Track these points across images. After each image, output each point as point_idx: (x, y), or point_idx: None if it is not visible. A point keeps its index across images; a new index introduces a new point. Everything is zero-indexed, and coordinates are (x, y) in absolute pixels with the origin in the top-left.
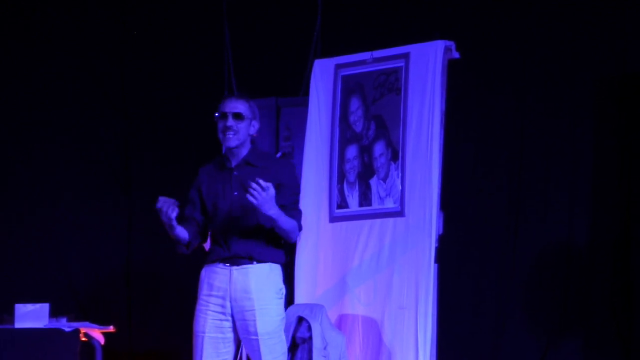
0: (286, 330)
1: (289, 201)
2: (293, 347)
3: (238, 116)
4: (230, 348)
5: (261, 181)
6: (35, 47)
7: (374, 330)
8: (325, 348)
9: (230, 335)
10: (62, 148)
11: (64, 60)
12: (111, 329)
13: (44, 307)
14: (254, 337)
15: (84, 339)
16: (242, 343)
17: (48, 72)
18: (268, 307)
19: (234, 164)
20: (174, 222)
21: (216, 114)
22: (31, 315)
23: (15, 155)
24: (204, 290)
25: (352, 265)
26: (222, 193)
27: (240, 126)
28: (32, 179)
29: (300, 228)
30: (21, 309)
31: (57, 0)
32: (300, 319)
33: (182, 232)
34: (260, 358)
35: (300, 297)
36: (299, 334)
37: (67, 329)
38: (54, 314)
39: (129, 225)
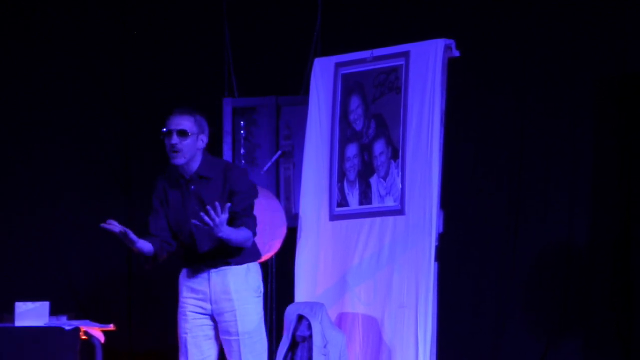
0: (286, 329)
1: (241, 207)
2: (293, 346)
3: (183, 133)
4: (214, 347)
5: (217, 205)
6: (35, 47)
7: (374, 328)
8: (325, 346)
9: (212, 333)
10: (62, 148)
11: (64, 60)
12: (111, 327)
13: (44, 306)
14: (234, 338)
15: (84, 337)
16: (222, 344)
17: (48, 72)
18: (247, 306)
19: (187, 177)
20: (132, 236)
21: (163, 130)
22: (31, 314)
23: (15, 155)
24: (183, 293)
25: (352, 264)
26: (182, 208)
27: (185, 143)
28: (32, 179)
29: (254, 234)
30: (21, 307)
31: (57, 0)
32: (301, 317)
33: (145, 245)
34: (240, 358)
35: (300, 295)
36: (299, 333)
37: (67, 328)
38: (54, 312)
39: (129, 225)
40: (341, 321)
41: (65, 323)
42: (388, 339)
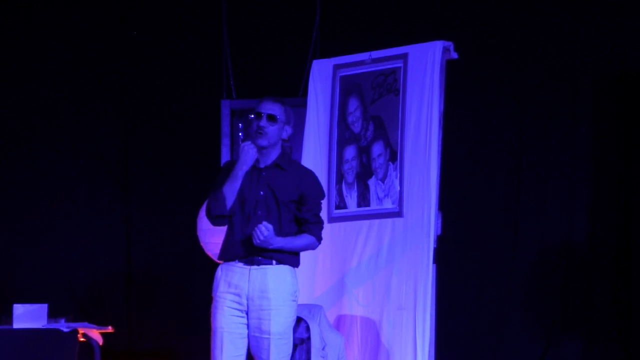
0: None
1: (312, 214)
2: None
3: (272, 118)
4: (246, 345)
5: (264, 224)
6: (35, 47)
7: (372, 330)
8: (323, 349)
9: (245, 332)
10: (62, 148)
11: (64, 61)
12: (110, 329)
13: (43, 308)
14: (265, 336)
15: (82, 339)
16: (249, 341)
17: (48, 72)
18: (283, 308)
19: (262, 165)
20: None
21: (251, 115)
22: (29, 316)
23: (15, 155)
24: (220, 287)
25: (351, 266)
26: (248, 191)
27: (272, 128)
28: (32, 179)
29: (319, 239)
30: (19, 309)
31: (57, 0)
32: (299, 320)
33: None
34: (268, 357)
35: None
36: (297, 335)
37: (65, 330)
38: (52, 314)
39: (129, 225)
40: (340, 323)
41: (63, 325)
42: (386, 340)
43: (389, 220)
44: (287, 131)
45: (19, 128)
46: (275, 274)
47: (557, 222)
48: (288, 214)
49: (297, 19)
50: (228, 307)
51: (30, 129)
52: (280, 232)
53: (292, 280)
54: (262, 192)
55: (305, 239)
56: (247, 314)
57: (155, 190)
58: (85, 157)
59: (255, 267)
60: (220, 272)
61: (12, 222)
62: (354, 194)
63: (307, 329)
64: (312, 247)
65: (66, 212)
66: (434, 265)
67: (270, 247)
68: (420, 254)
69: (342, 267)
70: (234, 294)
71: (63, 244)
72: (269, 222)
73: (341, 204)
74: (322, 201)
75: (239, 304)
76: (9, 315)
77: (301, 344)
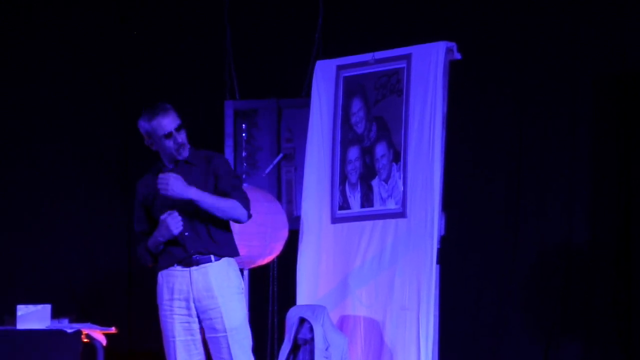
0: (288, 331)
1: (229, 186)
2: (295, 349)
3: (180, 127)
4: (201, 349)
5: (167, 174)
6: (35, 47)
7: (375, 331)
8: (327, 349)
9: (198, 336)
10: (62, 148)
11: (64, 60)
12: (113, 330)
13: (46, 308)
14: (222, 335)
15: (85, 340)
16: (209, 344)
17: (48, 72)
18: (231, 303)
19: (171, 166)
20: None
21: (161, 134)
22: (33, 317)
23: (15, 155)
24: (165, 295)
25: (354, 267)
26: (162, 197)
27: (185, 135)
28: (32, 179)
29: (246, 208)
30: (23, 310)
31: (57, 0)
32: (302, 320)
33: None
34: (230, 354)
35: (302, 298)
36: (300, 335)
37: (69, 330)
38: (55, 315)
39: (129, 226)
40: (343, 324)
41: (67, 326)
42: (390, 341)
43: (393, 221)
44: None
45: (19, 128)
46: (216, 271)
47: (557, 223)
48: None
49: (300, 20)
50: (177, 314)
51: (30, 129)
52: (209, 224)
53: (234, 273)
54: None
55: (228, 201)
56: (197, 317)
57: None
58: (85, 157)
59: (194, 267)
60: (161, 279)
61: (12, 222)
62: (357, 195)
63: (311, 329)
64: (237, 212)
65: (66, 212)
66: (437, 265)
67: (183, 194)
68: (424, 254)
69: (345, 267)
70: (180, 299)
71: (63, 244)
72: (195, 217)
73: (344, 205)
74: (237, 179)
75: (187, 308)
76: (12, 316)
77: (304, 344)
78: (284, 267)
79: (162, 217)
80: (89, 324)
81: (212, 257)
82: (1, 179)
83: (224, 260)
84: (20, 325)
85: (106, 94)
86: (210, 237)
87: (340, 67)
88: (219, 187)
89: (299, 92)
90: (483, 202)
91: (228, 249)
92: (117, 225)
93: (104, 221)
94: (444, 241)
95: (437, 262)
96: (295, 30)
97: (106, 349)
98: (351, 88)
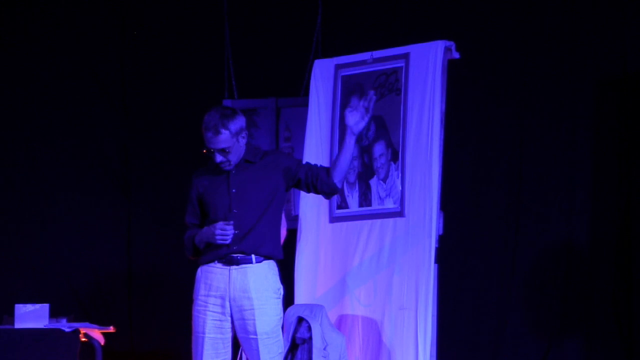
0: (286, 331)
1: (307, 165)
2: (293, 348)
3: (223, 151)
4: (229, 348)
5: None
6: (35, 47)
7: (374, 330)
8: (325, 348)
9: (229, 335)
10: (62, 148)
11: (64, 61)
12: (111, 329)
13: (44, 308)
14: (252, 337)
15: (84, 339)
16: (240, 342)
17: (48, 72)
18: (266, 306)
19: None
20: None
21: (203, 150)
22: (31, 316)
23: (15, 155)
24: (201, 291)
25: (352, 266)
26: (219, 193)
27: (230, 156)
28: (32, 179)
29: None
30: (21, 309)
31: (57, 1)
32: (300, 320)
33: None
34: (258, 357)
35: (300, 297)
36: (298, 335)
37: (67, 330)
38: (54, 314)
39: (129, 226)
40: (341, 323)
41: (65, 325)
42: (388, 340)
43: (391, 220)
44: (244, 137)
45: (20, 128)
46: (255, 273)
47: (557, 223)
48: (264, 205)
49: (299, 19)
50: (210, 311)
51: (31, 129)
52: (258, 226)
53: (273, 277)
54: (234, 190)
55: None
56: (230, 316)
57: (155, 190)
58: (85, 157)
59: (235, 267)
60: (199, 274)
61: (12, 222)
62: (356, 194)
63: (309, 328)
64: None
65: (66, 212)
66: (436, 265)
67: (360, 128)
68: (422, 253)
69: (343, 267)
70: (216, 296)
71: (64, 244)
72: (246, 218)
73: (343, 204)
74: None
75: (222, 306)
76: (11, 316)
77: (302, 343)
78: (282, 267)
79: (216, 231)
80: (87, 323)
81: (254, 257)
82: (1, 178)
83: (265, 262)
84: (19, 325)
85: (106, 94)
86: (256, 238)
87: (338, 66)
88: (301, 173)
89: (298, 91)
90: (483, 202)
91: (271, 251)
92: (117, 225)
93: (104, 221)
94: (444, 241)
95: (436, 262)
96: (294, 30)
97: (105, 348)
98: (349, 87)
